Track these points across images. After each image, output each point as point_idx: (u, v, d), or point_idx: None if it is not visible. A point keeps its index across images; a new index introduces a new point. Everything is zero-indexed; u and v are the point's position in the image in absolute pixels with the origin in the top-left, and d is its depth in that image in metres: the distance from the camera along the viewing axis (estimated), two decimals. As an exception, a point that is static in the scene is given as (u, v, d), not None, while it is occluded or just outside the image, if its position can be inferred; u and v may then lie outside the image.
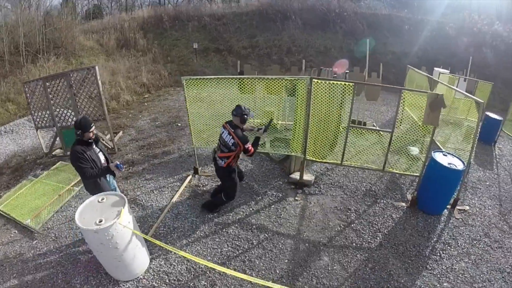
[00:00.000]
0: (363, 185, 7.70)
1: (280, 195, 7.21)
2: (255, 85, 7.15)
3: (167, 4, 32.15)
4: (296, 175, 7.46)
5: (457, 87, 12.37)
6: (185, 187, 7.45)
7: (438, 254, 5.96)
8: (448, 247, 6.17)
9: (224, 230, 6.15)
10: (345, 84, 6.45)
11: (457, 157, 6.86)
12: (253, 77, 7.22)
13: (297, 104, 6.87)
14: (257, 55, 20.33)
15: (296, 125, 7.03)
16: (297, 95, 6.78)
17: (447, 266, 5.76)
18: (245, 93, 7.38)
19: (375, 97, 9.32)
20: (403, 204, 7.12)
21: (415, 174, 6.80)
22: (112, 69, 17.06)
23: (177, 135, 10.48)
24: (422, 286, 5.26)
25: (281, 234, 6.09)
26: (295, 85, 6.77)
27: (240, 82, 7.14)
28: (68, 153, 7.74)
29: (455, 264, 5.82)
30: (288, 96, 7.65)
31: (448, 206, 7.17)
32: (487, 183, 9.02)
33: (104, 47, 19.95)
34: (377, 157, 7.22)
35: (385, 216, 6.73)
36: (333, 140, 7.21)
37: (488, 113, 12.61)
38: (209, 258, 5.52)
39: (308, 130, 6.69)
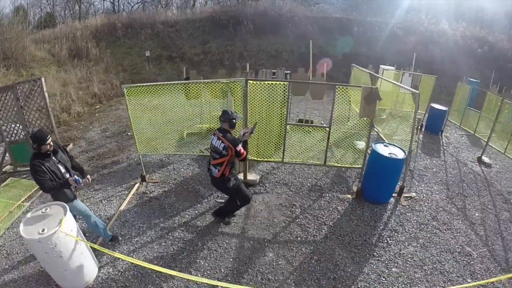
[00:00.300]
0: (308, 181, 7.87)
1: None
2: (201, 90, 7.13)
3: (121, 12, 31.66)
4: (241, 176, 7.45)
5: (401, 82, 12.87)
6: (133, 195, 7.38)
7: (385, 241, 6.15)
8: (396, 234, 6.38)
9: (170, 234, 6.13)
10: (279, 84, 6.50)
11: (399, 147, 7.08)
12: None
13: (234, 106, 6.87)
14: (209, 61, 20.37)
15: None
16: (234, 97, 6.80)
17: (395, 252, 5.94)
18: (191, 99, 7.35)
19: (321, 96, 9.50)
20: (349, 196, 7.33)
21: (357, 166, 6.89)
22: (63, 79, 16.60)
23: (127, 144, 10.34)
24: (370, 273, 5.40)
25: (226, 234, 6.13)
26: (231, 87, 6.78)
27: (185, 88, 7.15)
28: (19, 168, 7.91)
29: (403, 249, 6.02)
30: (223, 99, 7.65)
31: (394, 195, 7.44)
32: (434, 170, 9.41)
33: (56, 57, 19.38)
34: (323, 153, 7.28)
35: (331, 209, 6.90)
36: (277, 139, 7.22)
37: (433, 104, 13.17)
38: (155, 262, 5.48)
39: None
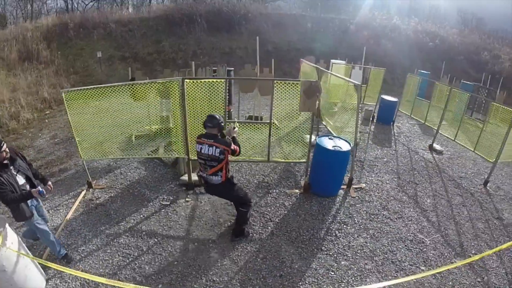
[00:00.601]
0: (255, 178, 7.90)
1: (172, 198, 7.19)
2: (148, 91, 6.96)
3: (75, 11, 30.64)
4: (186, 177, 7.37)
5: (351, 75, 13.21)
6: (79, 202, 7.15)
7: (334, 234, 6.22)
8: (345, 226, 6.45)
9: (115, 240, 5.99)
10: (216, 81, 6.42)
11: (344, 139, 7.13)
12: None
13: (173, 105, 6.75)
14: (162, 61, 19.97)
15: (174, 126, 7.01)
16: (172, 96, 6.69)
17: (344, 244, 6.00)
18: (138, 100, 7.17)
19: (269, 92, 9.42)
20: (297, 190, 7.37)
21: (302, 161, 6.88)
22: (13, 85, 15.82)
23: (75, 151, 9.88)
24: (318, 268, 5.40)
25: (171, 237, 6.06)
26: (168, 87, 6.67)
27: (130, 89, 6.96)
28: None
29: (353, 241, 6.10)
30: (162, 98, 7.50)
31: (343, 187, 7.52)
32: (385, 160, 9.65)
33: (6, 61, 18.39)
34: (272, 149, 7.24)
35: (277, 205, 6.92)
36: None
37: (384, 96, 13.48)
38: (101, 270, 5.35)
39: (187, 130, 6.64)
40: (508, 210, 7.92)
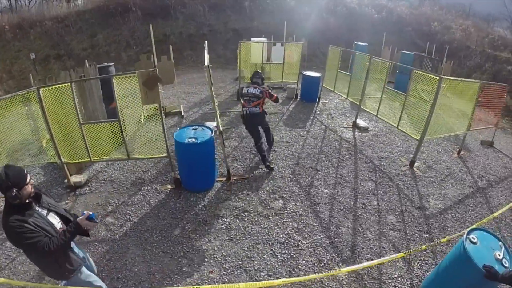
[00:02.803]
0: (134, 175, 7.67)
1: (56, 201, 6.93)
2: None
3: (20, 7, 30.03)
4: (70, 179, 7.20)
5: (272, 52, 13.51)
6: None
7: (187, 236, 5.82)
8: (204, 226, 6.05)
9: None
10: (63, 86, 6.25)
11: (208, 127, 6.95)
12: None
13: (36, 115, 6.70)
14: (96, 55, 19.65)
15: (42, 134, 6.95)
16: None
17: (195, 247, 5.59)
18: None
19: (171, 80, 9.45)
20: (169, 186, 7.15)
21: (163, 155, 6.74)
22: None
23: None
24: (156, 273, 5.12)
25: None
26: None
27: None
28: None
29: (206, 244, 5.65)
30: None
31: (222, 179, 7.26)
32: (289, 143, 9.29)
33: None
34: (133, 144, 7.24)
35: (144, 203, 6.70)
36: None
37: (306, 72, 13.20)
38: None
39: (53, 136, 6.44)
40: (436, 195, 7.33)
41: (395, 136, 10.03)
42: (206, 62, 6.48)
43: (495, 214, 6.06)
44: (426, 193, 7.38)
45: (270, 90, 7.76)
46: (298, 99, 13.28)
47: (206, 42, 10.05)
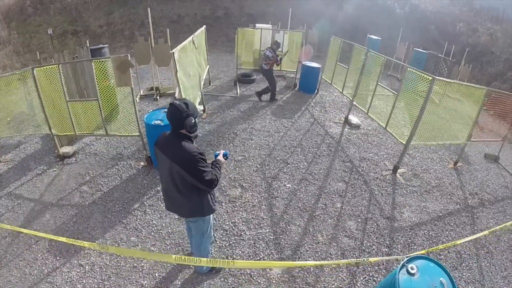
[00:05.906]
0: (116, 150, 8.65)
1: (45, 168, 8.04)
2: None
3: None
4: (59, 150, 8.30)
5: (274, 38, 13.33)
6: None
7: (143, 210, 6.52)
8: (160, 203, 6.63)
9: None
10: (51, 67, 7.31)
11: None
12: None
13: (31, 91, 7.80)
14: (111, 33, 20.72)
15: (35, 108, 8.08)
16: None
17: (146, 221, 6.21)
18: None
19: (167, 62, 10.11)
20: (142, 163, 8.06)
21: (134, 134, 7.67)
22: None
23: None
24: (109, 238, 5.88)
25: (30, 200, 6.90)
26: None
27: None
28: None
29: (157, 220, 6.25)
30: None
31: None
32: (269, 132, 9.51)
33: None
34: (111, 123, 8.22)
35: (116, 176, 7.63)
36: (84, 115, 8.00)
37: (306, 62, 13.36)
38: None
39: (45, 112, 7.58)
40: (413, 207, 6.98)
41: (387, 138, 9.79)
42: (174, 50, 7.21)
43: (473, 237, 5.23)
44: (402, 203, 7.08)
45: (278, 58, 11.53)
46: (296, 89, 13.73)
47: (204, 26, 11.08)
